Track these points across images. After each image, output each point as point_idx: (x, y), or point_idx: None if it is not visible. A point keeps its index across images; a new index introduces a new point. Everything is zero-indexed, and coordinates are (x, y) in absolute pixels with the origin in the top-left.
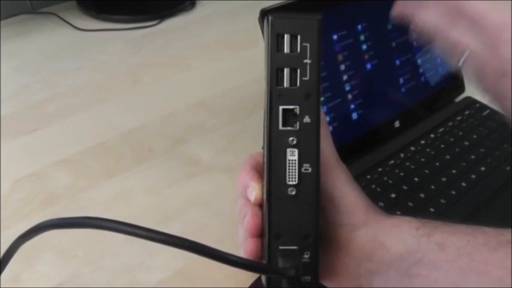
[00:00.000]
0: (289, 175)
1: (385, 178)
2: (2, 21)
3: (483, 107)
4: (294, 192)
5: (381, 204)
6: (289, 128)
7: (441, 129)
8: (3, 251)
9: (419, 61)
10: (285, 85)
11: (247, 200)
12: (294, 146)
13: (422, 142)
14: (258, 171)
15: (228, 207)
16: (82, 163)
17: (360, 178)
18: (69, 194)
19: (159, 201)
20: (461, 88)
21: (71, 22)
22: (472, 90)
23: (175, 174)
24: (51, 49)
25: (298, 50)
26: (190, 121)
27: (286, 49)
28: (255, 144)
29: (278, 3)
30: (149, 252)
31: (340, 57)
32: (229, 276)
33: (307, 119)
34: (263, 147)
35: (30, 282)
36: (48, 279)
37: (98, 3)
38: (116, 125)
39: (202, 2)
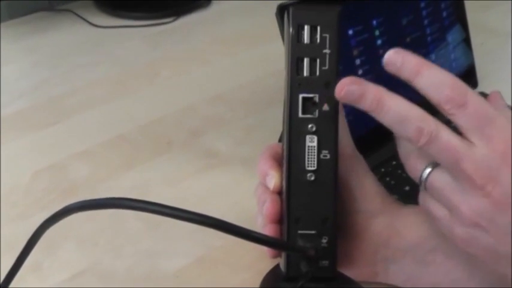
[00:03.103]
0: (308, 161)
1: (399, 171)
2: (20, 18)
3: None
4: (312, 178)
5: (396, 197)
6: (308, 115)
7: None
8: (25, 238)
9: (433, 56)
10: (304, 74)
11: (267, 187)
12: (313, 133)
13: None
14: (277, 160)
15: (245, 198)
16: (101, 155)
17: (374, 171)
18: (89, 184)
19: (177, 192)
20: (474, 84)
21: (87, 19)
22: (485, 86)
23: (193, 166)
24: (69, 45)
25: (318, 40)
26: (208, 114)
27: (306, 39)
28: (272, 136)
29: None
30: (169, 240)
31: (355, 51)
32: (248, 265)
33: (326, 107)
34: (282, 136)
35: (52, 270)
36: (69, 266)
37: (115, 1)
38: (135, 118)
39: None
